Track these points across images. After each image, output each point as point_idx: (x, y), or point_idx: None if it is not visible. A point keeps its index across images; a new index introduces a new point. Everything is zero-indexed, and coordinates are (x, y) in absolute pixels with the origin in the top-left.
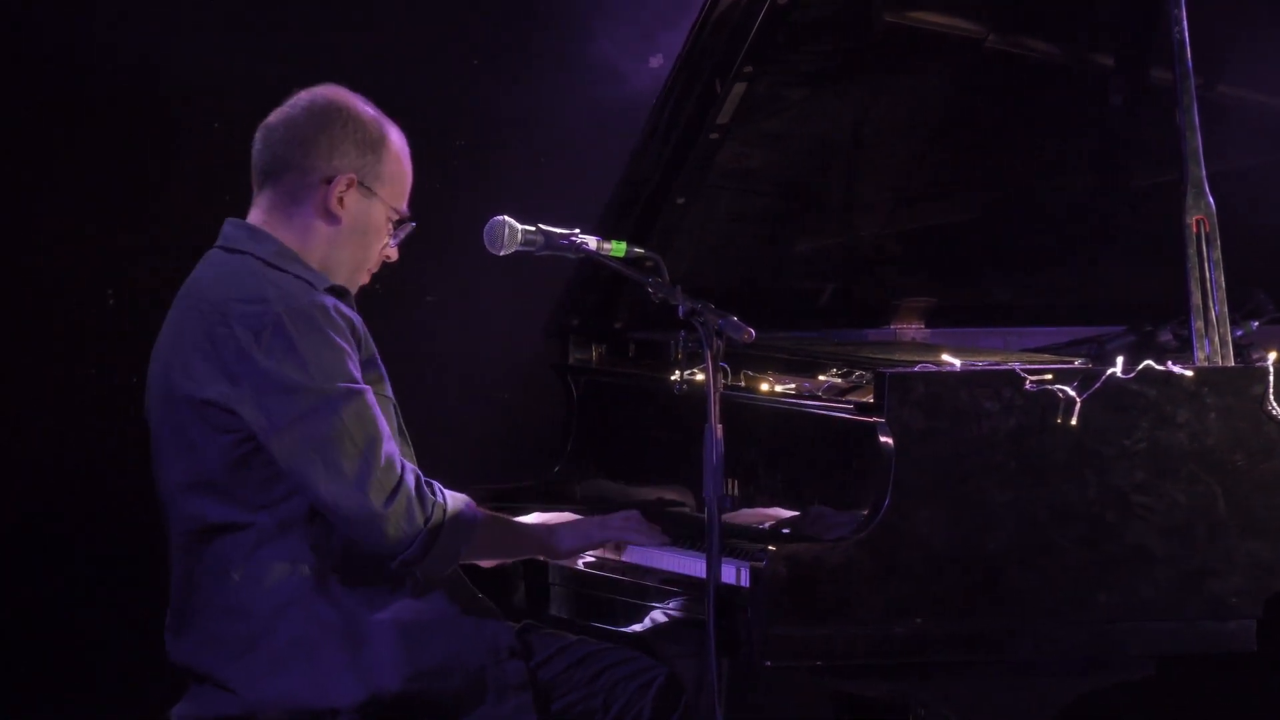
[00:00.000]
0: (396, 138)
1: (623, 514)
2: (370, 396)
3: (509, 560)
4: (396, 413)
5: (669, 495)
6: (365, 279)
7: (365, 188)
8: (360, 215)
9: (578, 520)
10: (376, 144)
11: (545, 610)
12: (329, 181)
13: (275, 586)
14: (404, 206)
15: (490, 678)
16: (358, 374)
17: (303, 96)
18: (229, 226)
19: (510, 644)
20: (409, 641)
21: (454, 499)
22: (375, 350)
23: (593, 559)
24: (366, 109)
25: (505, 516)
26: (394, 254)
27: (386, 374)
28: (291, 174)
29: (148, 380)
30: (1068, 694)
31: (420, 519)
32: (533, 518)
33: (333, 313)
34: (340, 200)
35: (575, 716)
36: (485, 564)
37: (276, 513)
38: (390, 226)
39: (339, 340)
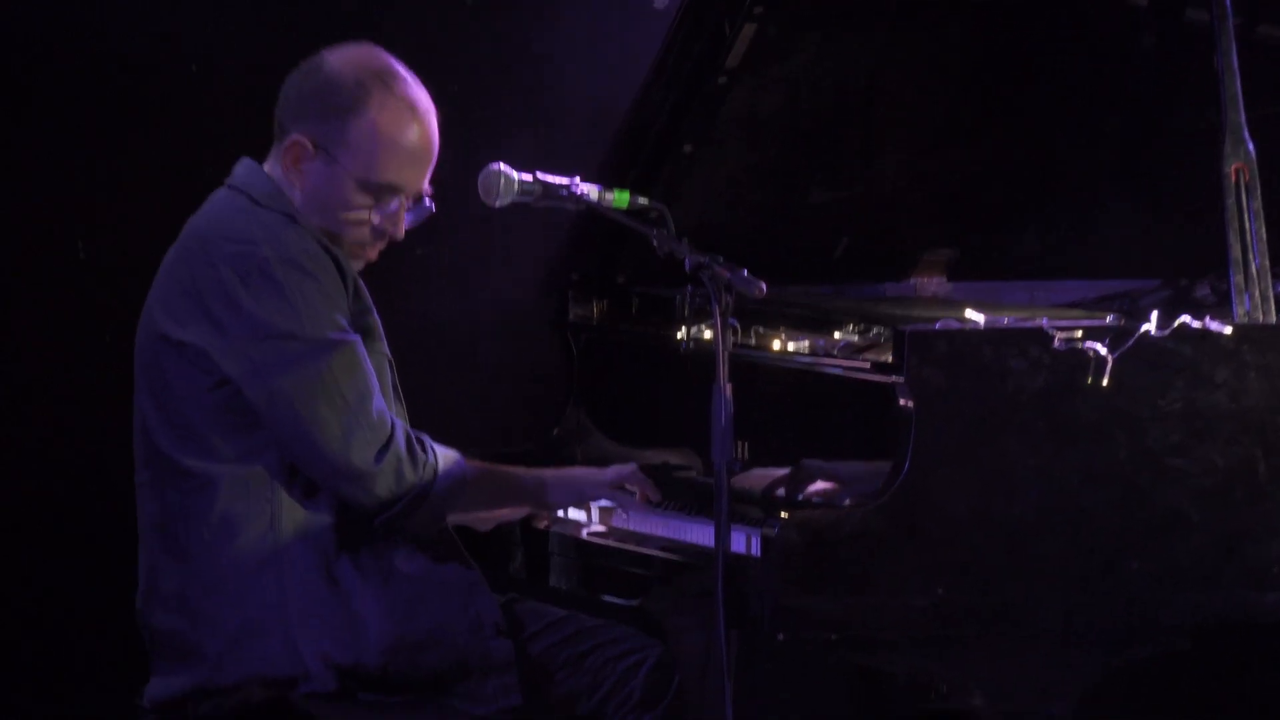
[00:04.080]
0: (392, 108)
1: (617, 467)
2: (360, 348)
3: (502, 514)
4: (392, 370)
5: (674, 459)
6: (363, 256)
7: (325, 152)
8: (318, 183)
9: (571, 473)
10: (347, 110)
11: (544, 580)
12: (287, 143)
13: (250, 545)
14: (392, 179)
15: (475, 654)
16: (347, 323)
17: (322, 52)
18: (238, 165)
19: (497, 620)
20: (392, 612)
21: (444, 455)
22: (371, 303)
23: (602, 529)
24: (366, 69)
25: (496, 467)
26: (397, 233)
27: (383, 330)
28: (277, 129)
29: (139, 322)
30: (1098, 668)
31: (410, 476)
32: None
33: (323, 258)
34: (295, 163)
35: (561, 696)
36: (482, 528)
37: (251, 464)
38: (366, 198)
39: (328, 287)
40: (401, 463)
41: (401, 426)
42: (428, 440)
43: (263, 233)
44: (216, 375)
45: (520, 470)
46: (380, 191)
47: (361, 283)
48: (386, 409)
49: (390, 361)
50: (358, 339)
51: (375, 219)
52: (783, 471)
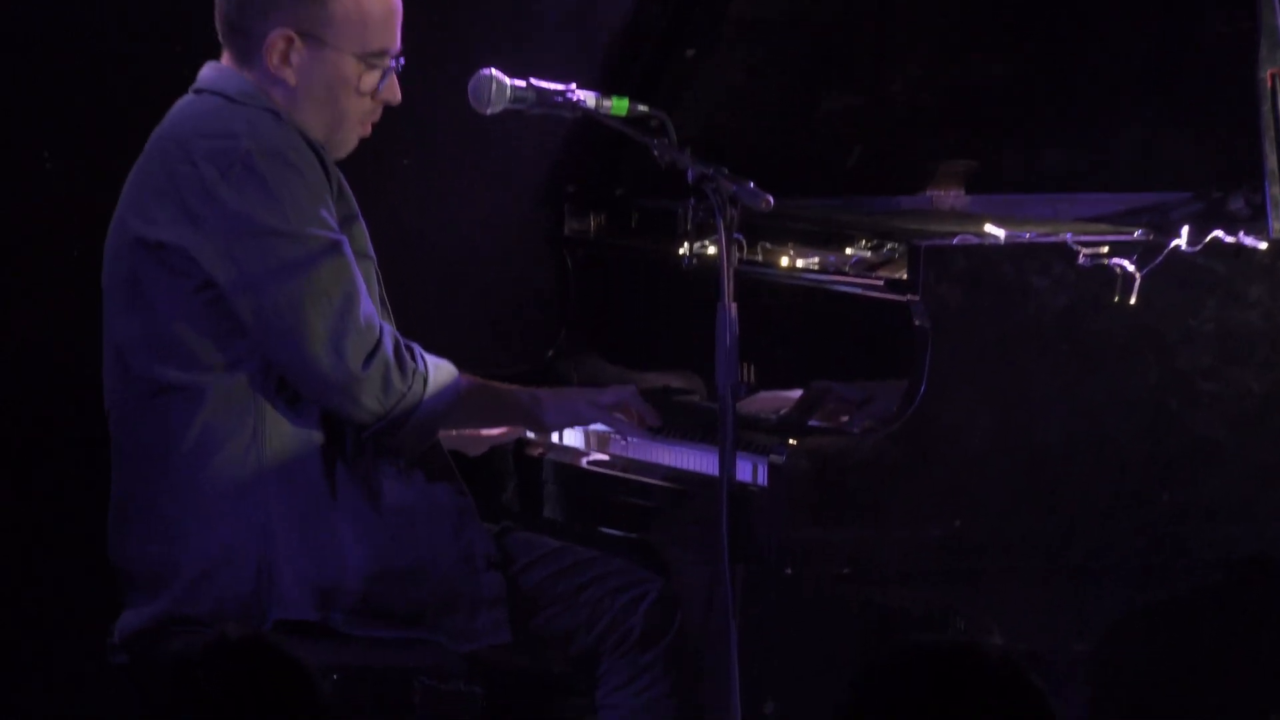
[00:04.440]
0: None
1: (615, 388)
2: (347, 248)
3: (494, 435)
4: (378, 279)
5: (676, 382)
6: (362, 133)
7: (312, 39)
8: (313, 72)
9: (568, 392)
10: None
11: (537, 511)
12: (268, 42)
13: (229, 462)
14: (381, 44)
15: (464, 588)
16: (333, 221)
17: None
18: (204, 69)
19: (489, 552)
20: (378, 536)
21: (435, 364)
22: (356, 208)
23: (599, 457)
24: None
25: (489, 382)
26: (395, 96)
27: (369, 235)
28: (237, 37)
29: (106, 241)
30: (1125, 604)
31: (399, 384)
32: None
33: (308, 153)
34: (284, 60)
35: (554, 633)
36: (473, 452)
37: (235, 374)
38: (365, 70)
39: (314, 182)
40: (389, 369)
41: (390, 332)
42: (418, 349)
43: (244, 126)
44: (198, 278)
45: (515, 387)
46: (375, 60)
47: (346, 184)
48: (375, 314)
49: (377, 269)
50: (344, 239)
51: (377, 89)
52: (793, 394)
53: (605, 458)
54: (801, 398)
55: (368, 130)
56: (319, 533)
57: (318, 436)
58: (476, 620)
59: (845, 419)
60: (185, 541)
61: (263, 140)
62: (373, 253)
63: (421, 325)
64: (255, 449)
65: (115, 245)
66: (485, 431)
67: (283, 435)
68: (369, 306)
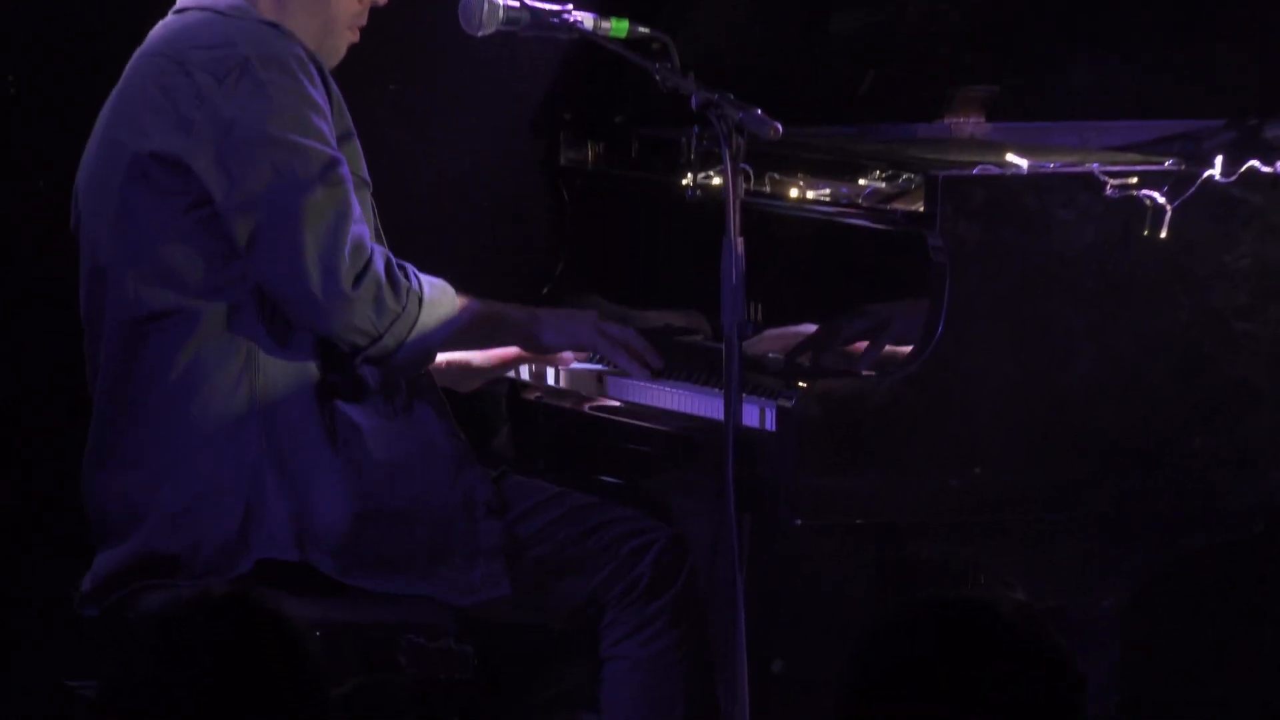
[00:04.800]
0: None
1: (620, 325)
2: (345, 166)
3: (485, 365)
4: (373, 208)
5: (679, 321)
6: (351, 38)
7: None
8: None
9: (569, 314)
10: None
11: (532, 459)
12: None
13: (218, 393)
14: None
15: (459, 536)
16: (333, 139)
17: None
18: None
19: (489, 498)
20: (372, 478)
21: (430, 283)
22: (352, 126)
23: (597, 400)
24: None
25: (487, 301)
26: None
27: (364, 156)
28: None
29: (80, 166)
30: (1157, 557)
31: (392, 304)
32: None
33: (309, 64)
34: None
35: (556, 583)
36: (463, 388)
37: (226, 300)
38: None
39: (316, 97)
40: (381, 289)
41: (381, 252)
42: (412, 269)
43: (242, 36)
44: (189, 194)
45: (514, 305)
46: None
47: (343, 101)
48: (367, 235)
49: (371, 194)
50: (342, 159)
51: None
52: (804, 331)
53: (605, 402)
54: (813, 335)
55: (356, 36)
56: (311, 471)
57: (312, 371)
58: (473, 571)
59: (862, 348)
60: (167, 476)
61: (263, 48)
62: (368, 177)
63: (408, 259)
64: (246, 381)
65: (96, 166)
66: (477, 363)
67: (275, 368)
68: (362, 228)
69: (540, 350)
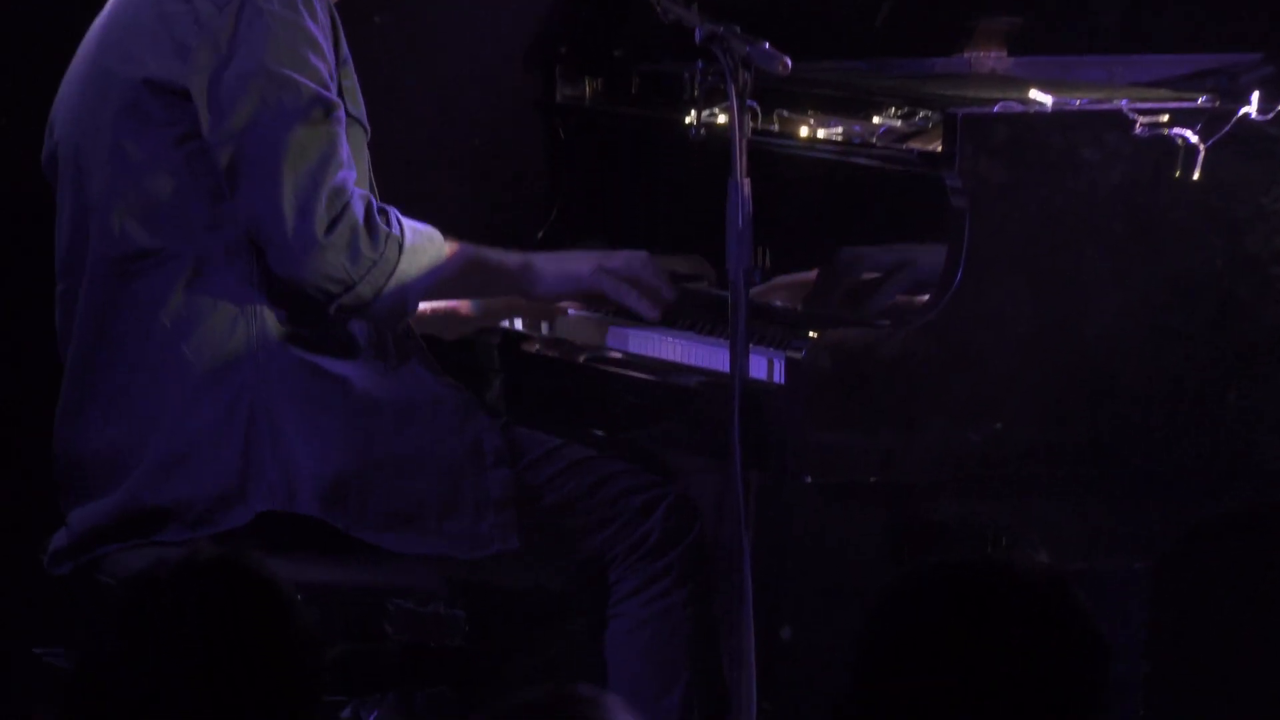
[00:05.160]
0: None
1: (626, 253)
2: (341, 113)
3: (472, 313)
4: (368, 158)
5: (682, 268)
6: None
7: None
8: None
9: (567, 256)
10: None
11: (527, 413)
12: None
13: (213, 335)
14: None
15: (468, 485)
16: (329, 79)
17: None
18: None
19: (498, 446)
20: (378, 424)
21: (414, 230)
22: (349, 55)
23: (594, 351)
24: None
25: (478, 248)
26: None
27: (360, 91)
28: None
29: (58, 101)
30: (1187, 517)
31: (368, 251)
32: None
33: (315, 3)
34: None
35: (561, 537)
36: (448, 335)
37: (221, 238)
38: None
39: (316, 34)
40: (357, 235)
41: (362, 196)
42: (394, 213)
43: None
44: (181, 125)
45: (505, 252)
46: None
47: (345, 42)
48: (350, 180)
49: (368, 134)
50: (340, 106)
51: None
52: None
53: (603, 353)
54: (824, 271)
55: None
56: (316, 418)
57: (313, 315)
58: (482, 523)
59: (878, 290)
60: (156, 422)
61: None
62: (366, 120)
63: (393, 202)
64: (243, 325)
65: (83, 99)
66: (464, 311)
67: (275, 310)
68: (348, 173)
69: (537, 299)
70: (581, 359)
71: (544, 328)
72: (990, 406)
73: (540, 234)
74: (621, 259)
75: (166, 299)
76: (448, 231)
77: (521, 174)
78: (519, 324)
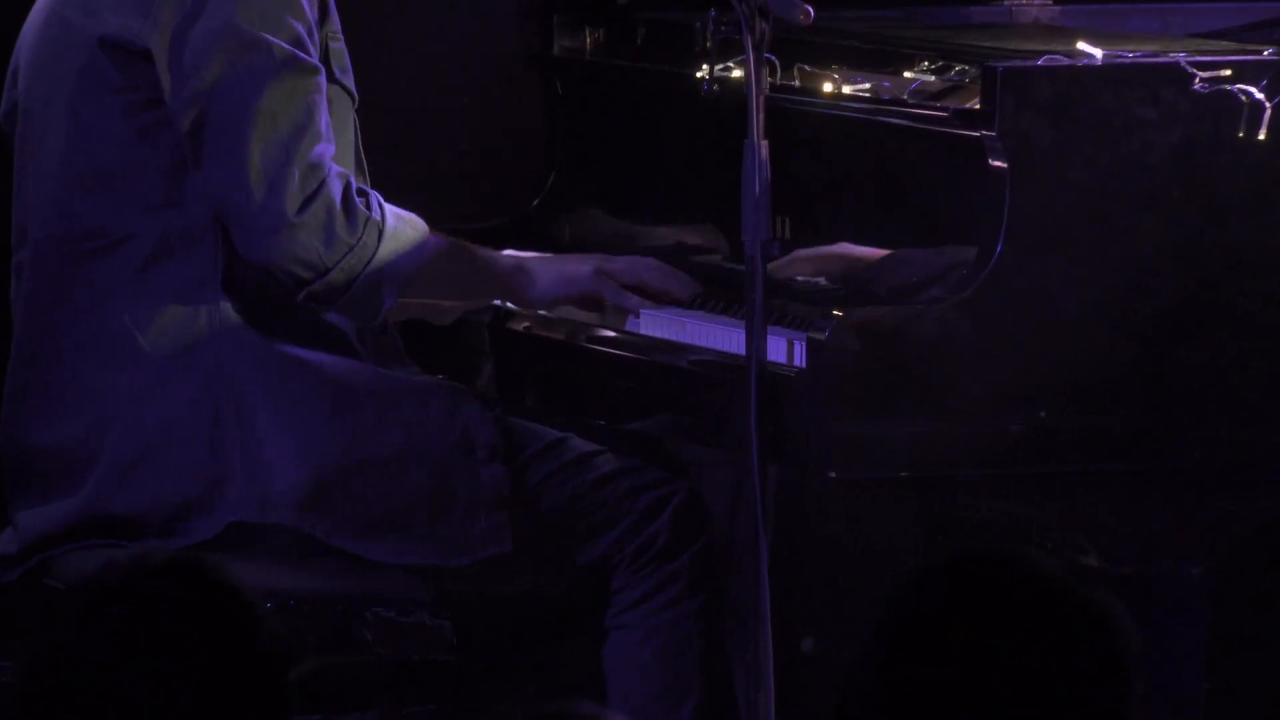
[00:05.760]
0: None
1: (631, 258)
2: (321, 80)
3: (466, 303)
4: (356, 127)
5: (692, 239)
6: None
7: None
8: None
9: (563, 259)
10: None
11: (520, 400)
12: None
13: (175, 323)
14: None
15: (460, 483)
16: (309, 42)
17: None
18: None
19: (492, 440)
20: (358, 418)
21: (397, 216)
22: (339, 27)
23: (599, 332)
24: None
25: (466, 245)
26: None
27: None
28: None
29: (20, 45)
30: (1252, 517)
31: (344, 235)
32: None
33: None
34: None
35: (560, 539)
36: (439, 321)
37: (185, 215)
38: None
39: None
40: (333, 216)
41: (340, 174)
42: (376, 197)
43: None
44: (143, 89)
45: (497, 252)
46: None
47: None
48: (328, 155)
49: (355, 111)
50: (321, 71)
51: None
52: (837, 251)
53: (606, 334)
54: (878, 263)
55: None
56: (289, 416)
57: (285, 302)
58: (472, 525)
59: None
60: (110, 421)
61: None
62: (354, 88)
63: (372, 167)
64: (207, 310)
65: (43, 50)
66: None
67: (243, 297)
68: (325, 146)
69: (533, 305)
70: (580, 339)
71: None
72: (1033, 393)
73: (535, 202)
74: (625, 263)
75: (121, 283)
76: (434, 198)
77: (514, 136)
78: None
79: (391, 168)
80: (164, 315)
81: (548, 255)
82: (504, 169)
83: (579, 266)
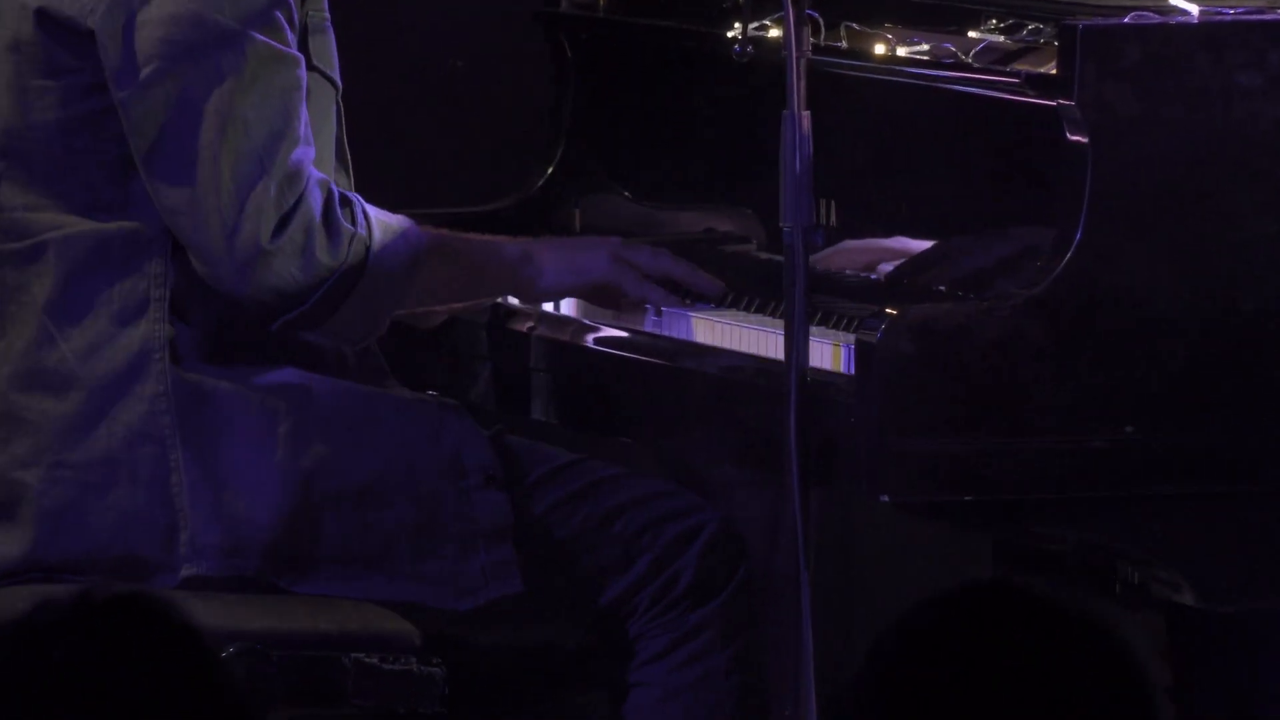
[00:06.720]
0: None
1: (651, 247)
2: (301, 74)
3: (465, 304)
4: (340, 115)
5: (723, 225)
6: None
7: None
8: None
9: (574, 242)
10: None
11: (523, 412)
12: None
13: (111, 340)
14: None
15: (450, 515)
16: (289, 30)
17: None
18: None
19: (485, 461)
20: (319, 443)
21: (384, 227)
22: (326, 8)
23: (621, 334)
24: None
25: (463, 237)
26: None
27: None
28: None
29: None
30: None
31: (325, 258)
32: None
33: None
34: None
35: (571, 579)
36: (427, 323)
37: (126, 220)
38: None
39: None
40: (312, 236)
41: (320, 180)
42: (360, 205)
43: None
44: (85, 72)
45: (498, 239)
46: None
47: None
48: (309, 160)
49: (340, 101)
50: (300, 61)
51: None
52: (890, 244)
53: (623, 335)
54: (921, 254)
55: None
56: (246, 447)
57: (236, 312)
58: (471, 562)
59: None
60: (39, 457)
61: None
62: (338, 77)
63: (360, 143)
64: (151, 327)
65: None
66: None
67: (191, 309)
68: (304, 150)
69: (540, 298)
70: (590, 341)
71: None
72: (1117, 404)
73: (540, 182)
74: (647, 252)
75: (45, 291)
76: (427, 178)
77: (518, 105)
78: (513, 299)
79: (376, 145)
80: (98, 334)
81: (556, 239)
82: (504, 145)
83: (593, 254)
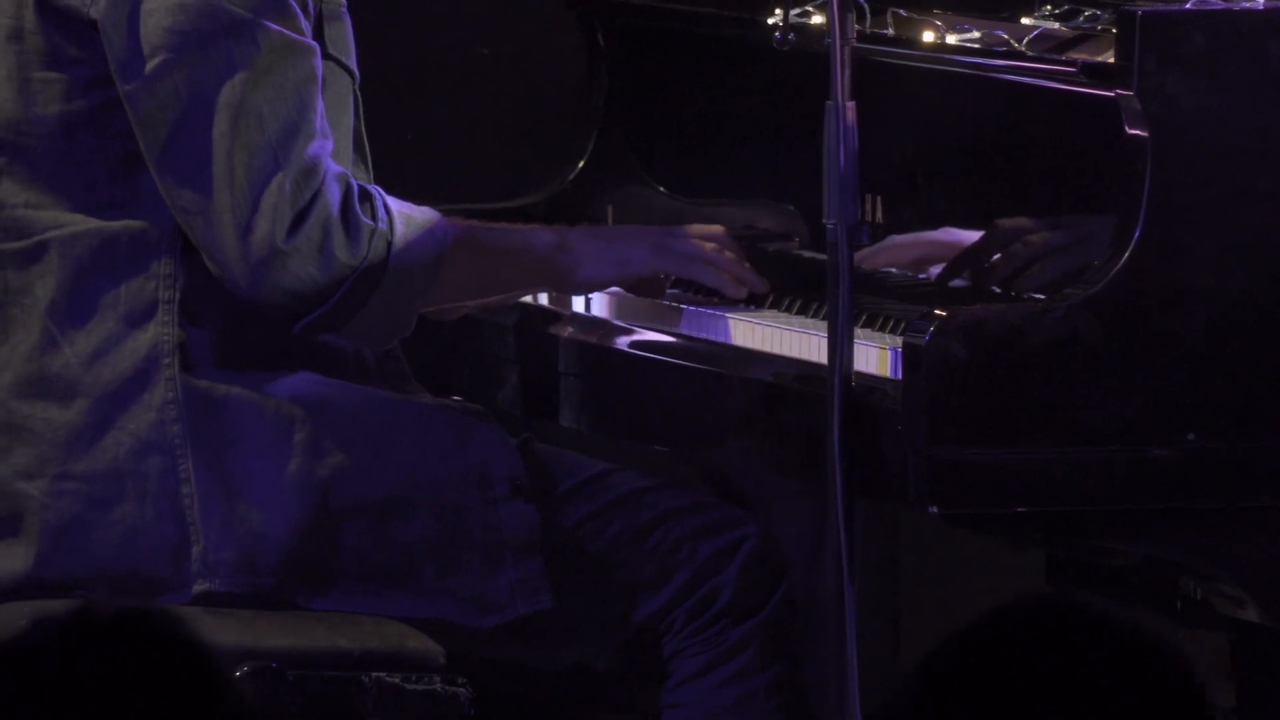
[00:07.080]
0: None
1: (697, 227)
2: (316, 63)
3: (496, 300)
4: (358, 106)
5: (764, 222)
6: None
7: None
8: None
9: (614, 231)
10: None
11: (552, 418)
12: None
13: (118, 345)
14: None
15: (476, 527)
16: (305, 24)
17: None
18: None
19: (512, 471)
20: (338, 452)
21: (407, 217)
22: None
23: (656, 337)
24: None
25: (492, 228)
26: None
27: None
28: None
29: None
30: None
31: (343, 257)
32: None
33: None
34: None
35: (604, 595)
36: (448, 315)
37: (132, 218)
38: None
39: None
40: (330, 234)
41: (338, 174)
42: (381, 198)
43: None
44: (89, 64)
45: (531, 228)
46: None
47: None
48: (326, 154)
49: (358, 90)
50: (315, 50)
51: None
52: (940, 238)
53: (658, 338)
54: (973, 246)
55: None
56: (259, 455)
57: (250, 314)
58: (497, 577)
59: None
60: (47, 462)
61: None
62: (355, 66)
63: (381, 137)
64: (158, 327)
65: None
66: None
67: (202, 311)
68: (321, 144)
69: (578, 290)
70: (623, 344)
71: (577, 303)
72: (1180, 411)
73: (570, 177)
74: (691, 236)
75: (48, 293)
76: (451, 173)
77: (547, 96)
78: (543, 298)
79: (398, 139)
80: (104, 337)
81: (593, 227)
82: (533, 137)
83: (634, 244)
